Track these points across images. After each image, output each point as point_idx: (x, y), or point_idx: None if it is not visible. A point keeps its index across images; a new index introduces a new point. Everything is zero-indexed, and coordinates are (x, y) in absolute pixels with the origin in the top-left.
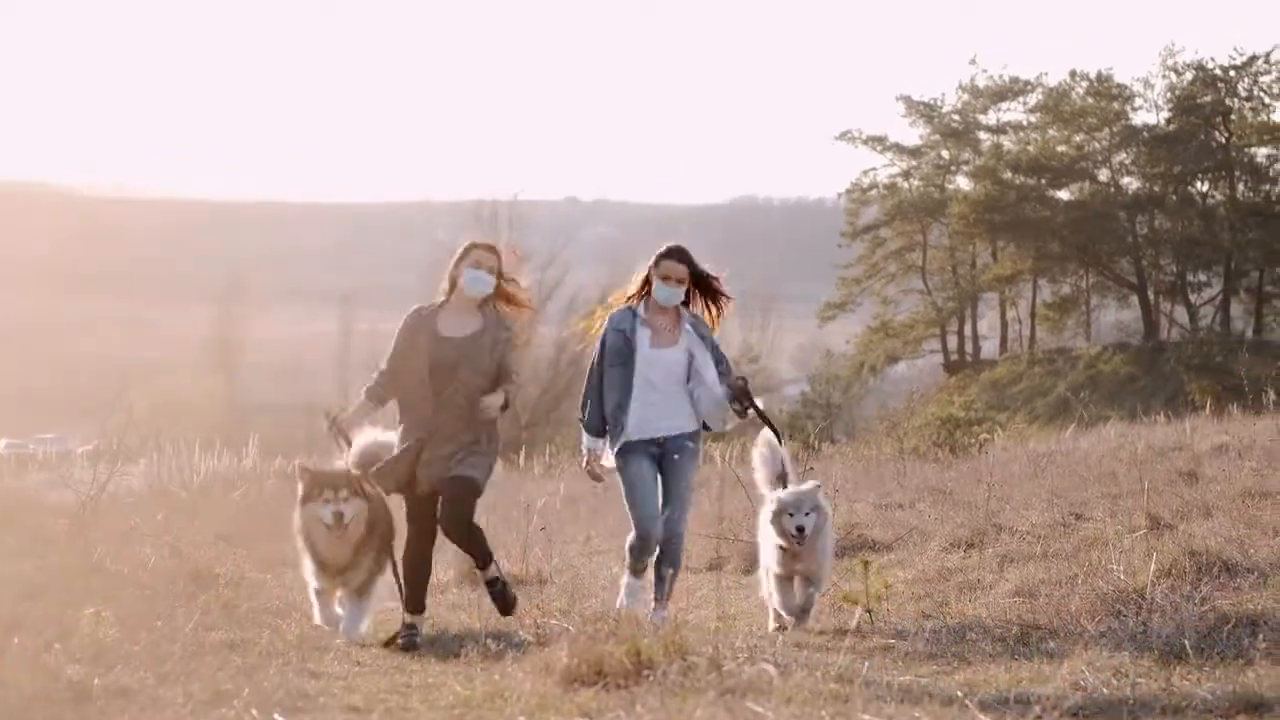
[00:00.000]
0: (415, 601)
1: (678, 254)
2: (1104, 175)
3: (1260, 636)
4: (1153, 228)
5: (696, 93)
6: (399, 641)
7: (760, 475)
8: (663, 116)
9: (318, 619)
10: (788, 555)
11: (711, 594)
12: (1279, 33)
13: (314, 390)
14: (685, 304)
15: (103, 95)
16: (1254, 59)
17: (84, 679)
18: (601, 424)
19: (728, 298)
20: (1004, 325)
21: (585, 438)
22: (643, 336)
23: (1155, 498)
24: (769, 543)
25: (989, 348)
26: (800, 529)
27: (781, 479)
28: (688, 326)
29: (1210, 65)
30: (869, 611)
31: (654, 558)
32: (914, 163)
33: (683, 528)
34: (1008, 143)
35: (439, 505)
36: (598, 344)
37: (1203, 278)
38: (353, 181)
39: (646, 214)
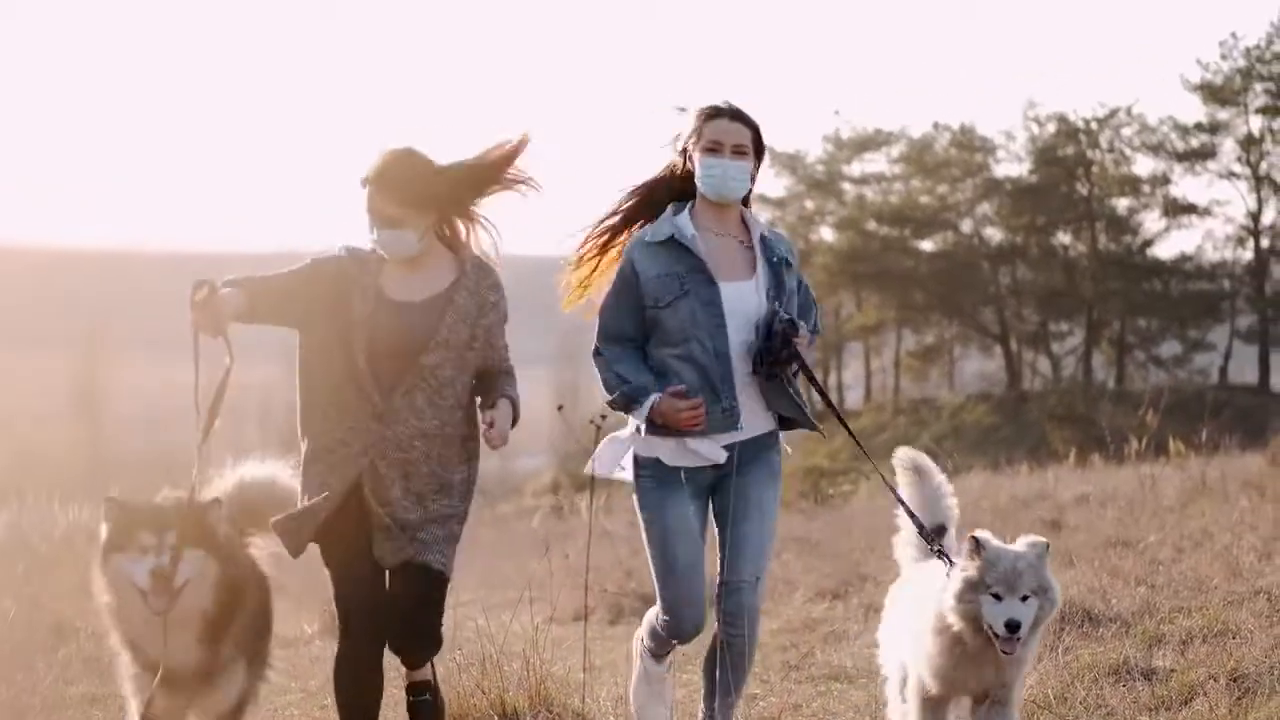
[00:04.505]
0: None
1: (729, 111)
2: (967, 226)
3: (1123, 686)
4: (1015, 278)
5: (570, 142)
6: None
7: (905, 530)
8: (535, 165)
9: None
10: (963, 659)
11: (577, 645)
12: (1139, 87)
13: (176, 441)
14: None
15: None
16: (1115, 111)
17: None
18: (634, 387)
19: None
20: (868, 374)
21: (632, 418)
22: (699, 260)
23: None
24: (918, 634)
25: (853, 397)
26: (1014, 626)
27: (941, 531)
28: (765, 241)
29: (1072, 117)
30: None
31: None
32: (779, 213)
33: (757, 597)
34: (871, 193)
35: (391, 599)
36: (613, 280)
37: (1065, 328)
38: (213, 231)
39: (530, 264)
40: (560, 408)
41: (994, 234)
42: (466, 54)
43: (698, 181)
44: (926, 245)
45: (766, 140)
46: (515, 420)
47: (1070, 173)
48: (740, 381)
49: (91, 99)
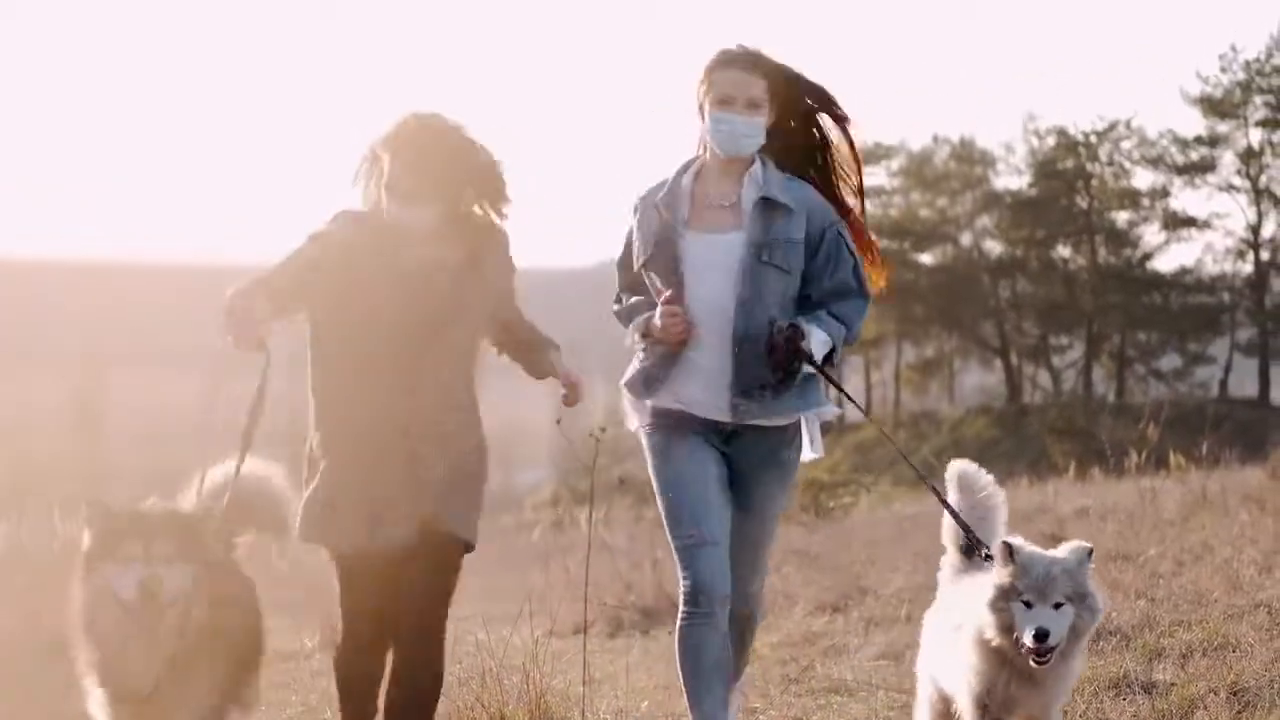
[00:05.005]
0: None
1: (744, 59)
2: (967, 239)
3: (1123, 700)
4: (1015, 291)
5: (561, 154)
6: None
7: (950, 532)
8: (525, 181)
9: None
10: (1007, 675)
11: (577, 658)
12: (1139, 100)
13: (175, 455)
14: (808, 173)
15: None
16: (1114, 125)
17: None
18: (628, 307)
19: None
20: (868, 388)
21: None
22: (679, 212)
23: None
24: (960, 644)
25: (854, 410)
26: (1043, 636)
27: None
28: (768, 191)
29: (1072, 130)
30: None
31: (723, 677)
32: None
33: (755, 590)
34: (871, 206)
35: (403, 581)
36: (624, 240)
37: (1065, 341)
38: (210, 242)
39: (533, 277)
40: (559, 421)
41: (994, 247)
42: (466, 61)
43: (705, 135)
44: (926, 258)
45: (797, 82)
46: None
47: (1070, 186)
48: (720, 344)
49: (89, 111)
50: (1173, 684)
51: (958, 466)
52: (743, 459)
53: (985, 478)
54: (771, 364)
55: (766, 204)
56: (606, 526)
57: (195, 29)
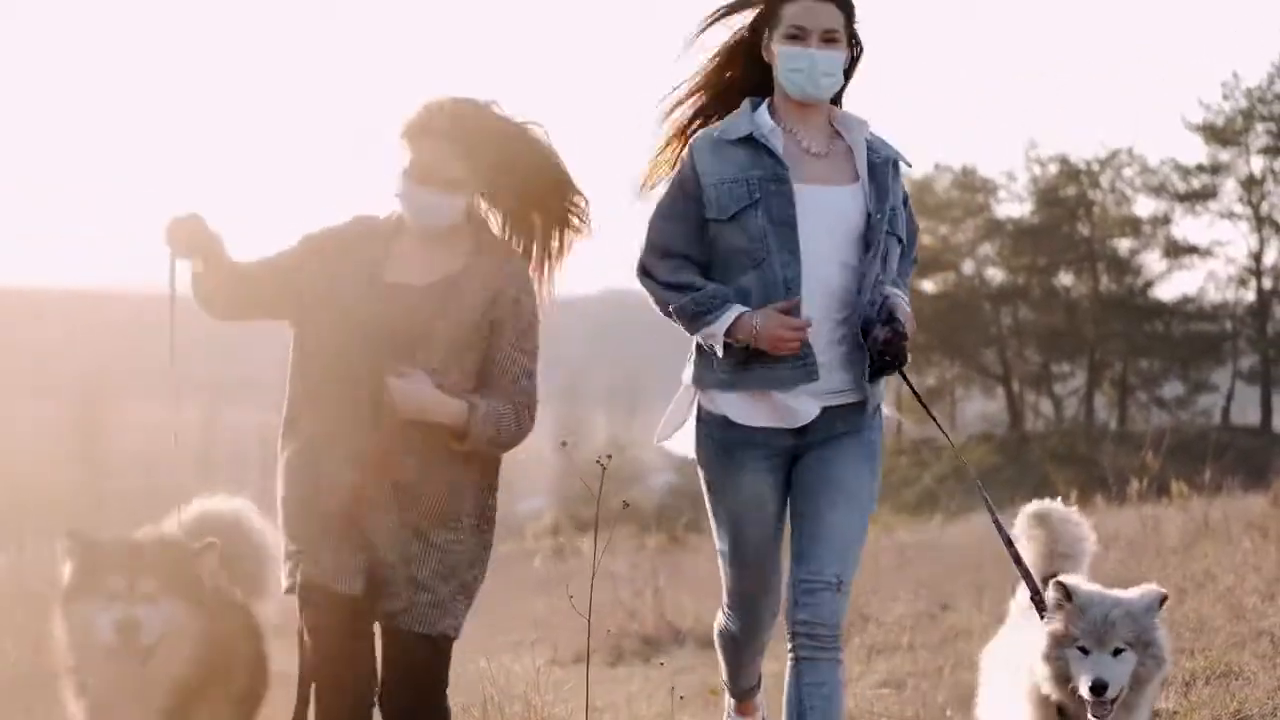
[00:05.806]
0: None
1: None
2: (969, 267)
3: None
4: (1017, 319)
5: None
6: None
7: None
8: None
9: None
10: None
11: (579, 686)
12: (1141, 128)
13: (175, 483)
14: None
15: None
16: (1116, 152)
17: None
18: (707, 293)
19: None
20: None
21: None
22: (779, 152)
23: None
24: (1011, 697)
25: None
26: (1099, 688)
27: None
28: (884, 151)
29: (1074, 158)
30: None
31: (759, 660)
32: None
33: (840, 602)
34: None
35: (385, 667)
36: (669, 184)
37: (1067, 368)
38: None
39: None
40: (564, 443)
41: (995, 275)
42: (463, 80)
43: (778, 77)
44: (928, 286)
45: (861, 27)
46: (465, 434)
47: (1072, 213)
48: (821, 323)
49: (88, 144)
50: (1175, 712)
51: (1035, 509)
52: (815, 434)
53: (1066, 511)
54: (868, 357)
55: (888, 164)
56: (609, 553)
57: (202, 58)
